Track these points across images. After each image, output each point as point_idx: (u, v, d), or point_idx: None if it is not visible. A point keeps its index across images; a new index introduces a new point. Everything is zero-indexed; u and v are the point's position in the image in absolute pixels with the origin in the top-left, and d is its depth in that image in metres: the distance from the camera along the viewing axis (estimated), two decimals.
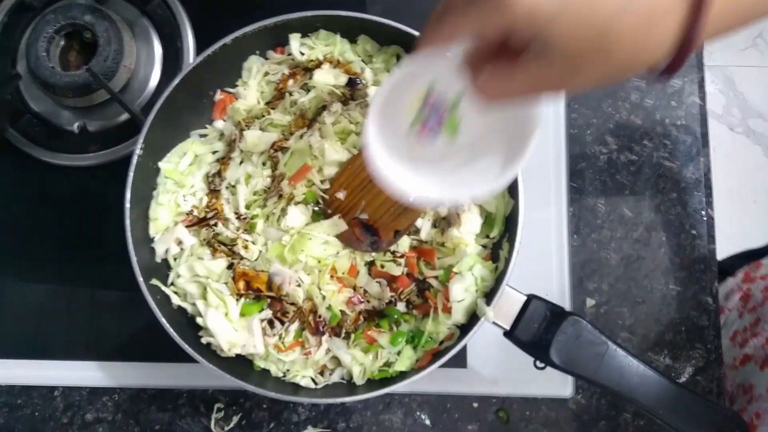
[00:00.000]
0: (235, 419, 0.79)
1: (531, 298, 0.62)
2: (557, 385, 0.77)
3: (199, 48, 0.83)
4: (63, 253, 0.82)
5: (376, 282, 0.68)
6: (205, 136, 0.73)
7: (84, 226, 0.82)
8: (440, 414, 0.79)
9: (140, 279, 0.64)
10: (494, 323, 0.63)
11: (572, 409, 0.78)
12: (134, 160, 0.65)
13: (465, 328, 0.66)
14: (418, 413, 0.79)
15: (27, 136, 0.83)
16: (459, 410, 0.79)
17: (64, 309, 0.81)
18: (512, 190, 0.67)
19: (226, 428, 0.79)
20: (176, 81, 0.67)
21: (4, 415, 0.80)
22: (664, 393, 0.59)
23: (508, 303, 0.63)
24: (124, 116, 0.83)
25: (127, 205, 0.65)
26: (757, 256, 0.99)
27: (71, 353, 0.80)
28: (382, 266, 0.68)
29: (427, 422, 0.79)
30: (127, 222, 0.64)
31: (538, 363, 0.77)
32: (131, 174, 0.65)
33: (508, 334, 0.63)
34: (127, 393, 0.80)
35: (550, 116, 0.82)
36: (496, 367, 0.78)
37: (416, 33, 0.67)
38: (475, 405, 0.79)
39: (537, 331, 0.61)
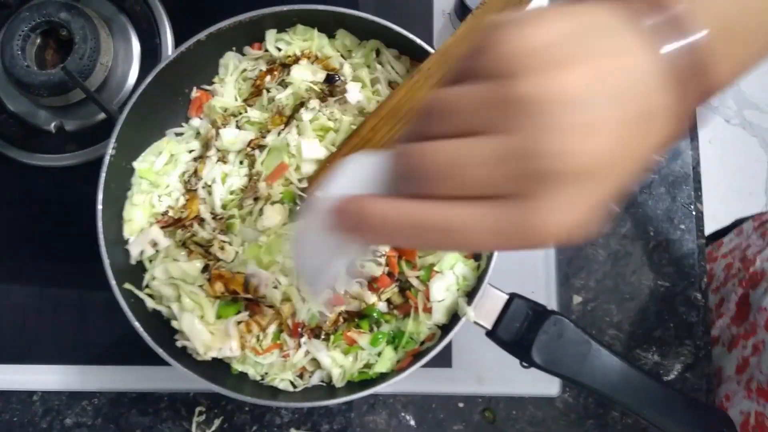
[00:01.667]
0: (217, 422, 0.78)
1: (513, 297, 0.61)
2: (544, 383, 0.76)
3: (178, 45, 0.81)
4: (39, 255, 0.80)
5: (356, 282, 0.67)
6: (181, 134, 0.72)
7: (62, 228, 0.80)
8: (425, 414, 0.77)
9: (113, 282, 0.62)
10: (476, 323, 0.62)
11: (559, 407, 0.77)
12: (106, 159, 0.64)
13: (446, 328, 0.65)
14: (402, 414, 0.77)
15: (3, 137, 0.81)
16: (444, 410, 0.77)
17: (42, 312, 0.79)
18: None
19: (208, 431, 0.78)
20: (150, 78, 0.65)
21: None
22: (648, 392, 0.58)
23: (490, 302, 0.62)
24: (102, 115, 0.81)
25: (99, 206, 0.63)
26: (720, 236, 0.97)
27: (50, 357, 0.78)
28: (363, 266, 0.66)
29: (412, 423, 0.77)
30: (100, 224, 0.63)
31: (523, 362, 0.76)
32: (103, 174, 0.63)
33: (490, 334, 0.62)
34: (107, 397, 0.79)
35: None
36: (481, 366, 0.76)
37: (394, 26, 0.66)
38: (461, 405, 0.77)
39: (519, 330, 0.60)
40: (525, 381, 0.76)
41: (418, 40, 0.65)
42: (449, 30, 0.82)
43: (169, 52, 0.82)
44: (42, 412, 0.79)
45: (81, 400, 0.79)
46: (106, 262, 0.62)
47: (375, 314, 0.66)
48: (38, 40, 0.81)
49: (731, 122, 2.04)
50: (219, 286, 0.63)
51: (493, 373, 0.76)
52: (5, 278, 0.80)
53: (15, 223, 0.82)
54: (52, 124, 0.82)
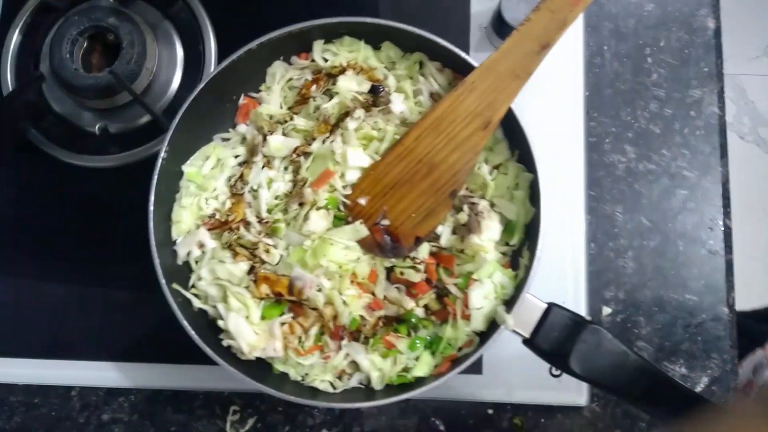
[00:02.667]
0: (251, 422, 0.79)
1: (551, 307, 0.63)
2: (572, 393, 0.77)
3: (221, 52, 0.84)
4: (82, 254, 0.82)
5: (395, 287, 0.69)
6: (227, 139, 0.74)
7: (103, 227, 0.82)
8: (455, 420, 0.79)
9: (163, 282, 0.64)
10: (514, 331, 0.63)
11: (587, 417, 0.78)
12: (159, 162, 0.66)
13: (484, 335, 0.66)
14: (432, 419, 0.79)
15: (48, 137, 0.84)
16: (474, 417, 0.79)
17: (82, 309, 0.81)
18: (534, 198, 0.67)
19: (242, 431, 0.79)
20: (202, 84, 0.67)
21: (21, 414, 0.81)
22: (685, 404, 0.59)
23: (528, 311, 0.63)
24: (145, 118, 0.83)
25: (151, 207, 0.65)
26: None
27: (88, 353, 0.80)
28: (402, 273, 0.68)
29: (442, 428, 0.79)
30: (151, 224, 0.65)
31: (553, 370, 0.77)
32: (155, 177, 0.65)
33: (528, 342, 0.63)
34: (144, 394, 0.81)
35: (569, 124, 0.82)
36: (511, 374, 0.78)
37: (439, 40, 0.68)
38: (490, 412, 0.79)
39: (557, 339, 0.61)
40: (554, 390, 0.77)
41: (463, 54, 0.67)
42: (485, 44, 0.84)
43: (212, 58, 0.84)
44: (80, 407, 0.81)
45: (118, 396, 0.80)
46: (157, 262, 0.64)
47: (413, 319, 0.67)
48: (85, 44, 0.83)
49: (745, 139, 2.05)
50: (264, 288, 0.65)
51: (523, 382, 0.78)
52: (46, 275, 0.82)
53: (55, 222, 0.83)
54: (96, 126, 0.84)
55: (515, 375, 0.78)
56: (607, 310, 0.80)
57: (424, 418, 0.79)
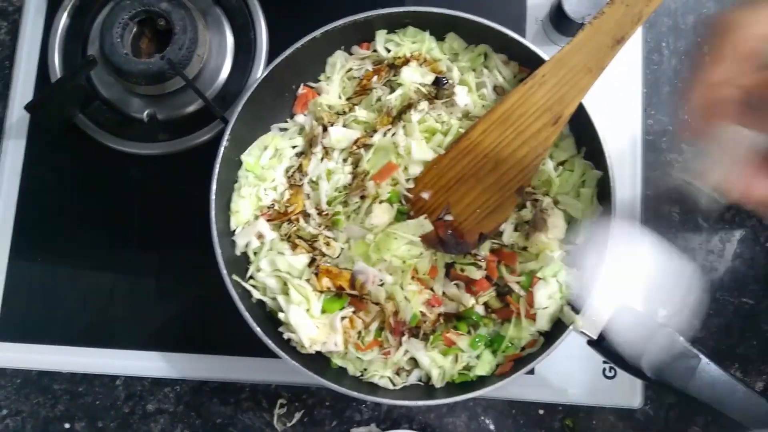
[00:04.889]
0: (298, 415, 0.78)
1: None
2: (626, 395, 0.76)
3: (272, 40, 0.83)
4: (128, 241, 0.81)
5: (454, 284, 0.67)
6: (285, 130, 0.72)
7: (151, 216, 0.81)
8: (505, 419, 0.78)
9: (224, 272, 0.63)
10: (581, 332, 0.62)
11: (640, 419, 0.77)
12: (221, 151, 0.64)
13: (548, 335, 0.65)
14: (482, 418, 0.78)
15: (96, 123, 0.82)
16: (524, 416, 0.78)
17: (128, 297, 0.80)
18: (602, 196, 0.65)
19: (288, 424, 0.78)
20: (265, 73, 0.66)
21: (65, 402, 0.80)
22: (755, 409, 0.58)
23: (595, 311, 0.62)
24: (194, 106, 0.82)
25: (213, 197, 0.64)
26: None
27: (134, 342, 0.79)
28: (462, 270, 0.67)
29: (492, 427, 0.78)
30: (213, 214, 0.64)
31: (607, 371, 0.76)
32: (218, 166, 0.64)
33: (595, 344, 0.62)
34: (189, 385, 0.80)
35: (626, 120, 0.81)
36: (563, 374, 0.76)
37: (508, 32, 0.66)
38: (541, 412, 0.78)
39: (627, 342, 0.60)
40: (607, 391, 0.76)
41: (533, 47, 0.66)
42: (542, 37, 0.82)
43: (264, 47, 0.82)
44: (125, 396, 0.80)
45: (163, 386, 0.79)
46: (218, 252, 0.63)
47: (473, 317, 0.66)
48: (135, 29, 0.81)
49: None
50: (326, 281, 0.64)
51: (575, 382, 0.76)
52: (91, 261, 0.81)
53: (102, 209, 0.82)
54: (145, 113, 0.82)
55: (567, 375, 0.76)
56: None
57: (473, 416, 0.78)
